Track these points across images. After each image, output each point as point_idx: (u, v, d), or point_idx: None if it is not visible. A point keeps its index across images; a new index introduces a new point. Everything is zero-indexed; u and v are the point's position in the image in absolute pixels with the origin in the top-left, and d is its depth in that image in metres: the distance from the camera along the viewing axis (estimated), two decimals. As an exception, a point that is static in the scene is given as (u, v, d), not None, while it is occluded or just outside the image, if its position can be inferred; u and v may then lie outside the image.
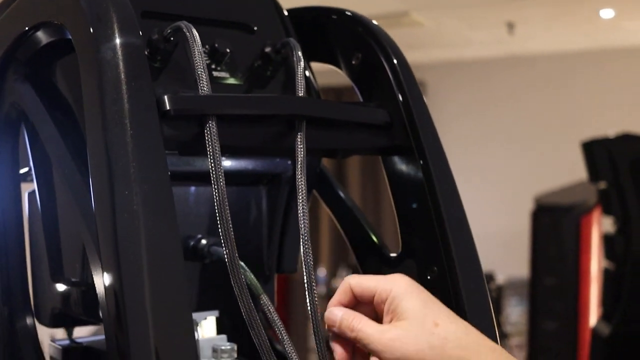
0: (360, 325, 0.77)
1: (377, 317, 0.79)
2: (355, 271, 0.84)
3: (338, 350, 0.79)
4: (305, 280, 0.80)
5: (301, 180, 0.80)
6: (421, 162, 0.88)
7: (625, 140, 4.10)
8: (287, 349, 0.78)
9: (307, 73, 0.95)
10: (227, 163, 0.94)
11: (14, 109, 0.89)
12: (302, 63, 0.84)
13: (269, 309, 0.79)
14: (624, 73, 6.16)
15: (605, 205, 4.12)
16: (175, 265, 0.69)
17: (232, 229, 0.74)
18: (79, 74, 0.82)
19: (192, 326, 0.71)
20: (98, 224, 0.70)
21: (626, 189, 3.91)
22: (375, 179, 6.56)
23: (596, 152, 4.06)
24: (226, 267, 0.95)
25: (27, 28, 0.83)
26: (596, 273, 4.66)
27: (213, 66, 0.87)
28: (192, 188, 0.95)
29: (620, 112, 5.79)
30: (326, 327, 0.80)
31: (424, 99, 0.92)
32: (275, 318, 0.79)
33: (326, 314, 0.80)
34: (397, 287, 0.78)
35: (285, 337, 0.78)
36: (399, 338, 0.75)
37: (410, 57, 0.95)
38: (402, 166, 0.91)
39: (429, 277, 0.87)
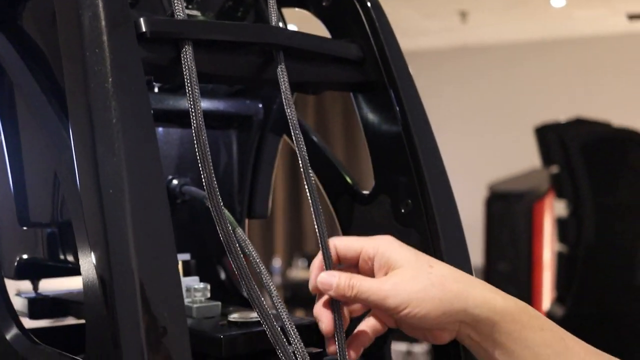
0: (358, 280, 0.78)
1: None
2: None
3: (324, 319, 0.79)
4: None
5: (292, 114, 0.80)
6: (394, 97, 0.88)
7: (577, 124, 4.16)
8: (266, 283, 0.77)
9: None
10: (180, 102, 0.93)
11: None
12: None
13: (245, 243, 0.78)
14: (574, 61, 6.25)
15: (557, 189, 4.18)
16: (159, 194, 0.67)
17: (210, 159, 0.73)
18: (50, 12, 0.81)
19: (176, 265, 0.69)
20: (77, 157, 0.69)
21: (578, 173, 3.96)
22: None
23: (549, 136, 4.12)
24: (196, 209, 0.95)
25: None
26: (549, 258, 4.72)
27: (185, 4, 0.86)
28: (160, 129, 0.94)
29: (571, 99, 5.87)
30: (319, 292, 0.80)
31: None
32: (253, 252, 0.78)
33: (319, 279, 0.79)
34: (384, 243, 0.80)
35: (264, 271, 0.77)
36: (401, 282, 0.76)
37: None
38: (374, 102, 0.91)
39: (403, 211, 0.87)
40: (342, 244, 0.81)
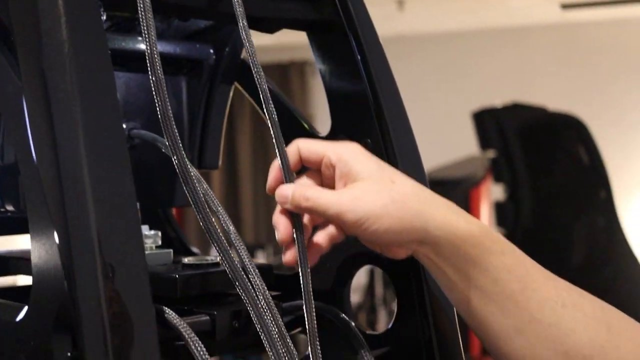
0: (315, 192, 0.74)
1: (325, 186, 0.77)
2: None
3: (281, 227, 0.75)
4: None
5: (252, 50, 0.76)
6: (352, 37, 0.86)
7: (514, 109, 4.21)
8: (223, 221, 0.73)
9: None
10: (143, 45, 0.89)
11: None
12: None
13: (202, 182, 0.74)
14: (510, 50, 6.32)
15: (495, 173, 4.22)
16: (117, 131, 0.64)
17: (166, 94, 0.70)
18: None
19: (137, 213, 0.65)
20: (27, 100, 0.64)
21: (515, 157, 4.01)
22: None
23: (486, 121, 4.16)
24: (144, 154, 0.91)
25: None
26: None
27: None
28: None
29: (507, 87, 5.94)
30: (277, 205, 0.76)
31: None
32: (210, 193, 0.74)
33: (277, 191, 0.76)
34: (348, 151, 0.76)
35: (221, 210, 0.73)
36: (360, 197, 0.73)
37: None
38: (331, 42, 0.88)
39: (362, 150, 0.85)
40: (306, 146, 0.77)
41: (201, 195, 0.70)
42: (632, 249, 3.82)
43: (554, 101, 4.57)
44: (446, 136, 6.10)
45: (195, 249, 1.06)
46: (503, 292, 0.75)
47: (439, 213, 0.74)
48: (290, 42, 5.43)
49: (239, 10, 0.77)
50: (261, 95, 0.77)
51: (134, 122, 0.88)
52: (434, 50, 6.49)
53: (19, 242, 0.97)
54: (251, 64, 0.78)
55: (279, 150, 0.76)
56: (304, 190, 0.74)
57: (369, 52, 0.86)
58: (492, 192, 4.63)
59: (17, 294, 0.85)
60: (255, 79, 0.77)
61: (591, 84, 6.06)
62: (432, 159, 5.50)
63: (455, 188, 4.67)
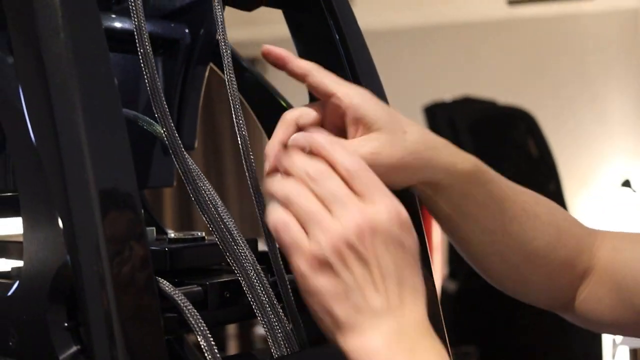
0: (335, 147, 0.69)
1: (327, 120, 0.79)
2: None
3: (272, 158, 0.72)
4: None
5: (223, 30, 0.76)
6: (329, 14, 0.87)
7: (465, 102, 4.25)
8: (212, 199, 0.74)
9: None
10: (118, 24, 0.89)
11: None
12: None
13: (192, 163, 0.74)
14: (458, 46, 6.38)
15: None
16: (112, 97, 0.64)
17: (154, 64, 0.70)
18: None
19: (136, 187, 0.65)
20: (22, 81, 0.64)
21: (466, 150, 4.04)
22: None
23: (437, 115, 4.19)
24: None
25: None
26: (439, 240, 4.81)
27: None
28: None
29: (456, 83, 5.99)
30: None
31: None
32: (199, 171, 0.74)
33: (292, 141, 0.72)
34: (358, 95, 0.77)
35: (208, 185, 0.73)
36: (379, 151, 0.74)
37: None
38: (307, 20, 0.89)
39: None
40: (318, 76, 0.78)
41: (191, 168, 0.70)
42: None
43: (503, 95, 4.63)
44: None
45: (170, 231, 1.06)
46: (486, 216, 0.83)
47: (443, 156, 0.79)
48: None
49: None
50: (226, 77, 0.77)
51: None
52: (383, 46, 6.52)
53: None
54: (221, 42, 0.78)
55: (238, 130, 0.76)
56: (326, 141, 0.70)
57: (346, 30, 0.87)
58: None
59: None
60: (223, 57, 0.78)
61: (538, 78, 6.14)
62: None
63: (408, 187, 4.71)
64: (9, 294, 0.65)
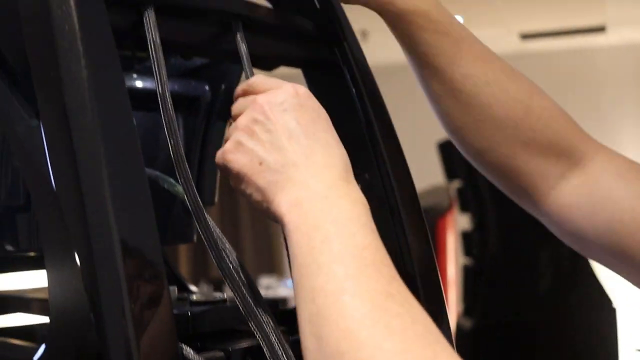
0: None
1: None
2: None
3: None
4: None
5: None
6: (347, 72, 0.88)
7: (479, 139, 4.24)
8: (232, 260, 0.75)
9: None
10: (140, 84, 0.90)
11: None
12: None
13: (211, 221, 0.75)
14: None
15: (461, 203, 4.25)
16: (135, 156, 0.65)
17: (177, 129, 0.71)
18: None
19: (159, 247, 0.66)
20: (46, 128, 0.66)
21: (481, 186, 4.04)
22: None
23: (452, 151, 4.19)
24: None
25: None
26: (454, 274, 4.79)
27: None
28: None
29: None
30: None
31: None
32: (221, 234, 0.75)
33: None
34: None
35: (229, 247, 0.74)
36: None
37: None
38: (326, 78, 0.90)
39: (360, 185, 0.87)
40: None
41: (214, 232, 0.71)
42: (596, 276, 3.87)
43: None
44: (410, 166, 6.15)
45: (192, 287, 1.07)
46: (435, 55, 0.89)
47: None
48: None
49: (244, 50, 0.79)
50: None
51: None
52: (398, 81, 6.54)
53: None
54: None
55: None
56: None
57: (364, 87, 0.88)
58: (459, 222, 4.67)
59: (19, 333, 0.86)
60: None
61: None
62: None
63: (421, 218, 4.70)
64: (36, 358, 0.66)
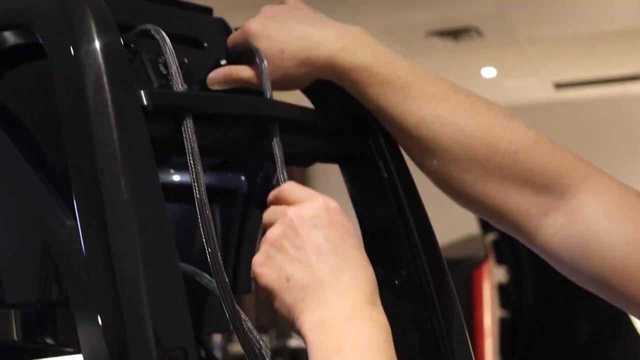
0: None
1: None
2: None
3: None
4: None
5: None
6: (384, 169, 0.89)
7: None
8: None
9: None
10: (177, 178, 0.91)
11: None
12: (265, 64, 0.84)
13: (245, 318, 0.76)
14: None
15: (497, 255, 4.22)
16: (170, 260, 0.66)
17: (214, 230, 0.72)
18: (36, 80, 0.79)
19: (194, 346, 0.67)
20: (84, 235, 0.67)
21: (516, 239, 4.02)
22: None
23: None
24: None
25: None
26: (490, 324, 4.74)
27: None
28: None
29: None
30: None
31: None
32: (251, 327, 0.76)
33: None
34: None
35: (263, 345, 0.75)
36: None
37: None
38: (363, 175, 0.91)
39: (396, 282, 0.87)
40: None
41: (245, 325, 0.72)
42: (637, 330, 3.81)
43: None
44: (446, 215, 6.13)
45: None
46: (385, 108, 0.86)
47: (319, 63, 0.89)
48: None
49: (278, 154, 0.80)
50: None
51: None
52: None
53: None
54: None
55: None
56: None
57: (400, 183, 0.89)
58: (495, 274, 4.63)
59: None
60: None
61: (586, 159, 6.11)
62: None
63: (457, 268, 4.68)
64: None
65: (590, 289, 0.86)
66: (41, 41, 0.73)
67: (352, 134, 0.90)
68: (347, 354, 0.65)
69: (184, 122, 0.72)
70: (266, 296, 0.72)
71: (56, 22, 0.71)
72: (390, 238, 0.88)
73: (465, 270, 4.59)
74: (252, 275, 0.73)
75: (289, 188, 0.75)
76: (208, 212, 0.73)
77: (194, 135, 0.73)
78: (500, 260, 4.25)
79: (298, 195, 0.74)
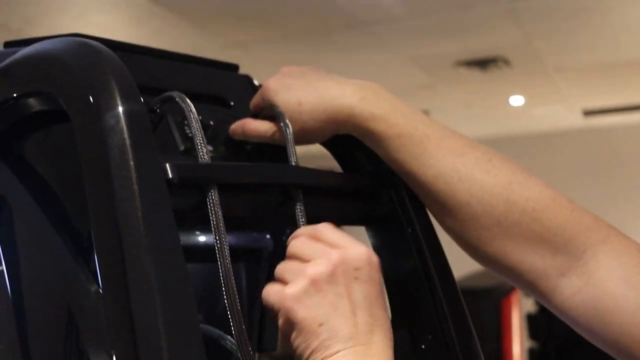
0: None
1: None
2: None
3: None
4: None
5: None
6: (410, 231, 0.88)
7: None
8: None
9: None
10: (202, 238, 0.91)
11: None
12: (290, 129, 0.84)
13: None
14: (533, 156, 6.36)
15: (526, 285, 4.18)
16: (195, 340, 0.66)
17: (238, 302, 0.72)
18: (60, 144, 0.80)
19: None
20: (107, 302, 0.67)
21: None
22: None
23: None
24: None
25: (3, 100, 0.80)
26: (519, 355, 4.70)
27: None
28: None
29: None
30: None
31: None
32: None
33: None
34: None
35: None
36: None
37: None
38: (389, 236, 0.90)
39: (423, 347, 0.86)
40: None
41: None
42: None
43: (578, 202, 4.56)
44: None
45: None
46: (404, 160, 0.86)
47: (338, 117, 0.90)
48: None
49: (301, 220, 0.79)
50: None
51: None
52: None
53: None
54: None
55: None
56: None
57: (426, 244, 0.88)
58: (524, 305, 4.59)
59: None
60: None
61: (613, 185, 6.07)
62: (461, 267, 5.48)
63: (485, 297, 4.64)
64: None
65: (608, 352, 0.84)
66: (65, 108, 0.73)
67: (376, 194, 0.89)
68: None
69: (209, 193, 0.72)
70: (291, 329, 0.71)
71: (79, 90, 0.71)
72: (416, 299, 0.87)
73: (494, 299, 4.56)
74: (278, 305, 0.72)
75: (327, 229, 0.75)
76: (232, 281, 0.72)
77: (219, 206, 0.72)
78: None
79: (338, 239, 0.74)
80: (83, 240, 0.79)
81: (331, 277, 0.70)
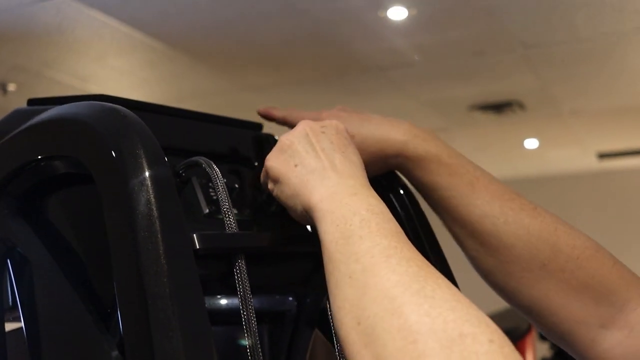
0: None
1: None
2: None
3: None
4: None
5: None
6: (412, 236, 0.89)
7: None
8: None
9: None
10: (225, 301, 0.90)
11: (1, 245, 0.84)
12: None
13: None
14: (547, 198, 6.34)
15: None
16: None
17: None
18: (84, 206, 0.79)
19: None
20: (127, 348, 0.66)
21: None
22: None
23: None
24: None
25: (26, 161, 0.80)
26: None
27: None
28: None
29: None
30: None
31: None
32: None
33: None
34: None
35: None
36: None
37: None
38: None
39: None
40: None
41: None
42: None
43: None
44: (487, 286, 6.06)
45: None
46: (452, 198, 0.89)
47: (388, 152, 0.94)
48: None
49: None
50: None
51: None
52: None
53: None
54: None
55: None
56: None
57: (431, 252, 0.91)
58: (539, 349, 4.54)
59: None
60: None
61: (630, 227, 6.03)
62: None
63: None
64: None
65: None
66: (91, 172, 0.72)
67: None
68: (363, 215, 0.67)
69: (237, 263, 0.71)
70: (275, 183, 0.77)
71: (106, 156, 0.70)
72: None
73: (508, 343, 4.51)
74: (263, 172, 0.78)
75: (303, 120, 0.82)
76: (259, 347, 0.71)
77: (246, 275, 0.71)
78: (543, 336, 4.16)
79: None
80: (105, 306, 0.78)
81: (299, 137, 0.77)
